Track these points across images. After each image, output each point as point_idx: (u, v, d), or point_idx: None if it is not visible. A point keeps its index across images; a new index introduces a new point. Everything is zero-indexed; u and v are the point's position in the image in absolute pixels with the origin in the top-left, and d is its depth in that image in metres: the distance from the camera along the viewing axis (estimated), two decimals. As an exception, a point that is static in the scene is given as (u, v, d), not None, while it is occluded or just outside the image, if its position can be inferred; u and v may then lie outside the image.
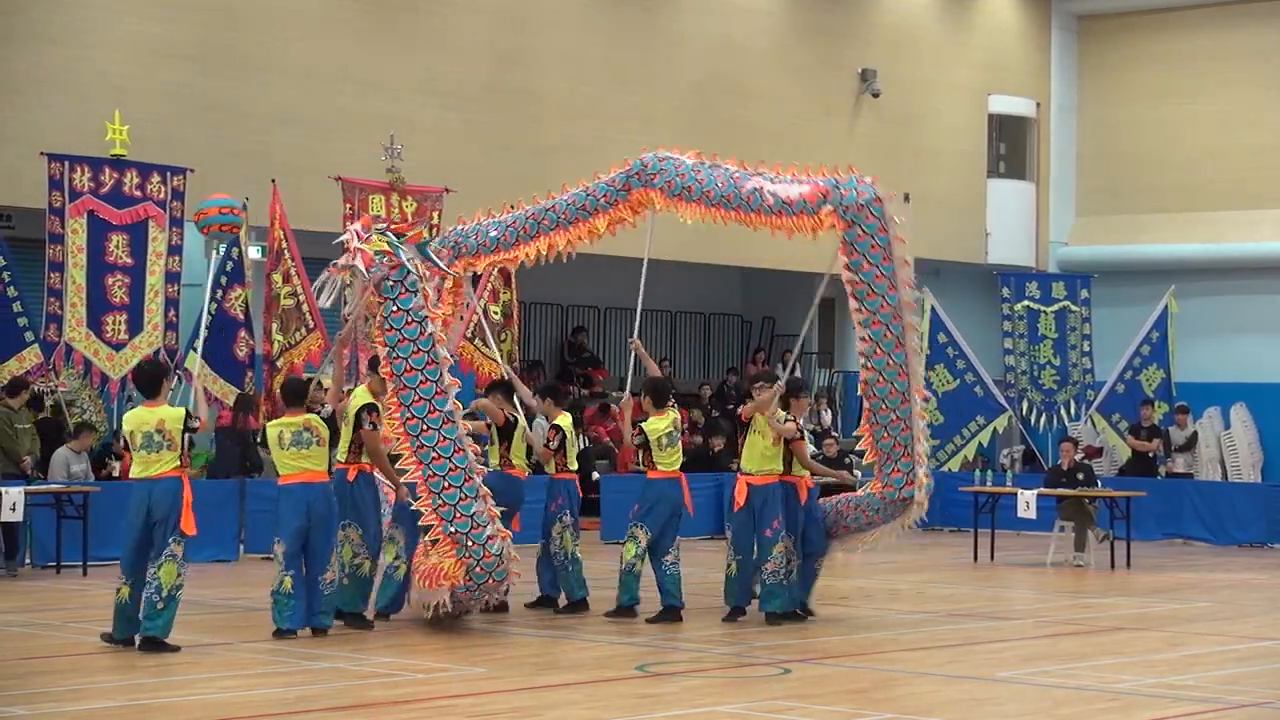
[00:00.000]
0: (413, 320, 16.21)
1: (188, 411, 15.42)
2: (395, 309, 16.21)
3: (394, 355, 16.20)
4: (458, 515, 16.09)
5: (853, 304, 17.05)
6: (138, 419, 15.28)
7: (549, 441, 18.41)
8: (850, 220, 16.73)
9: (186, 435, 15.24)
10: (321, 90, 27.97)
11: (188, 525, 15.12)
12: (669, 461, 17.86)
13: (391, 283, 16.20)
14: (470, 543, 16.09)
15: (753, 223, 17.45)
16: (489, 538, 16.14)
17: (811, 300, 18.85)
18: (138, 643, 15.08)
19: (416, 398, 16.13)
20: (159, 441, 15.13)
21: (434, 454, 16.12)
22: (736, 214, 17.45)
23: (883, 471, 17.39)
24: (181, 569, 15.14)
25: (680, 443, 18.19)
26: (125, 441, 15.37)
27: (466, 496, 16.12)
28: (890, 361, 16.96)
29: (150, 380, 15.55)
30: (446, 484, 16.11)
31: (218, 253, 25.04)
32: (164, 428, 15.14)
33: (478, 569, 16.14)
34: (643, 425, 17.88)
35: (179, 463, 15.19)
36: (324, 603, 16.08)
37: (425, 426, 16.12)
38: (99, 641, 15.29)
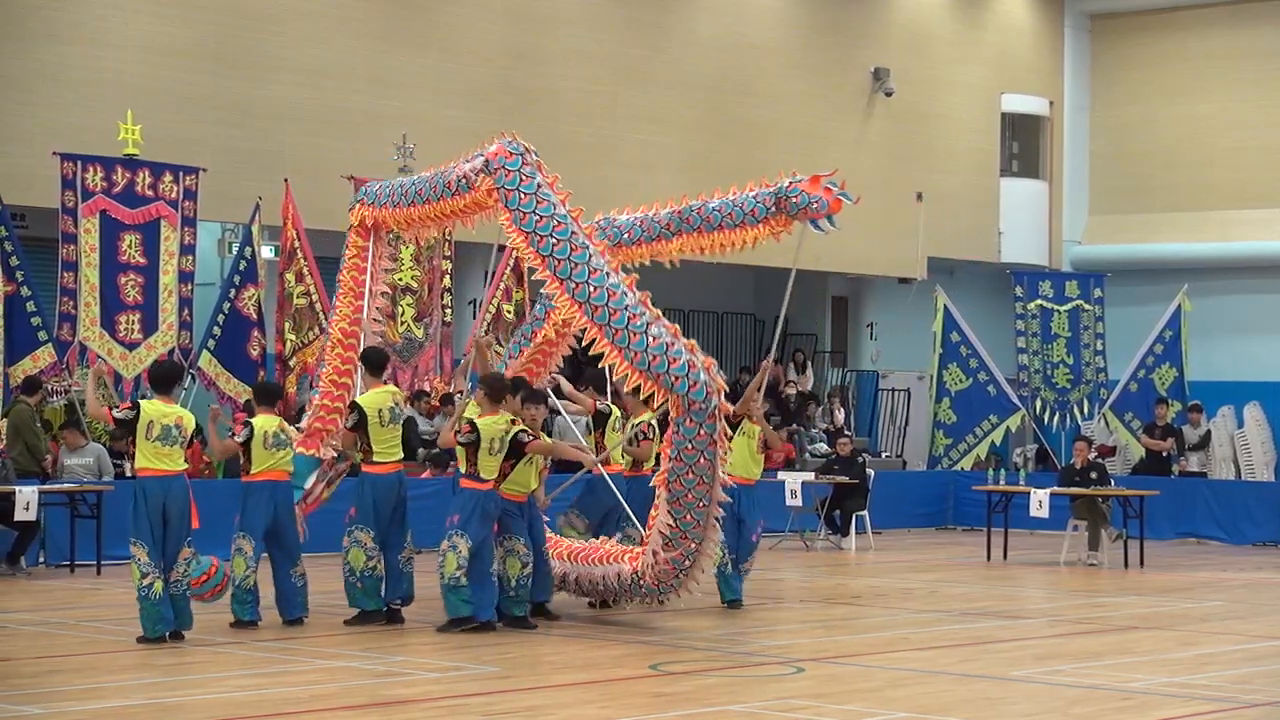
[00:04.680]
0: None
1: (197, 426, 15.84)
2: None
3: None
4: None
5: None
6: (157, 410, 15.53)
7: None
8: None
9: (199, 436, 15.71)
10: (334, 89, 28.01)
11: (195, 520, 15.67)
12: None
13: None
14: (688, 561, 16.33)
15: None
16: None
17: (824, 298, 18.78)
18: (169, 634, 15.40)
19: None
20: (176, 437, 15.48)
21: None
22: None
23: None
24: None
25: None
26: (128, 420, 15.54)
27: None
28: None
29: (165, 379, 15.89)
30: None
31: (231, 252, 25.08)
32: (181, 424, 15.52)
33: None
34: (475, 421, 16.81)
35: (186, 463, 15.68)
36: (298, 594, 16.67)
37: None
38: (136, 643, 15.35)
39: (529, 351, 19.48)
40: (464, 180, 17.08)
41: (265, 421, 16.58)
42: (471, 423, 16.52)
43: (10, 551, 21.40)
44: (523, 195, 16.50)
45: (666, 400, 15.86)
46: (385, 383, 17.44)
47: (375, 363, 17.43)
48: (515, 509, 16.87)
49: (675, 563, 16.29)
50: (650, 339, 15.79)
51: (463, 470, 16.59)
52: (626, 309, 15.91)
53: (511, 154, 16.73)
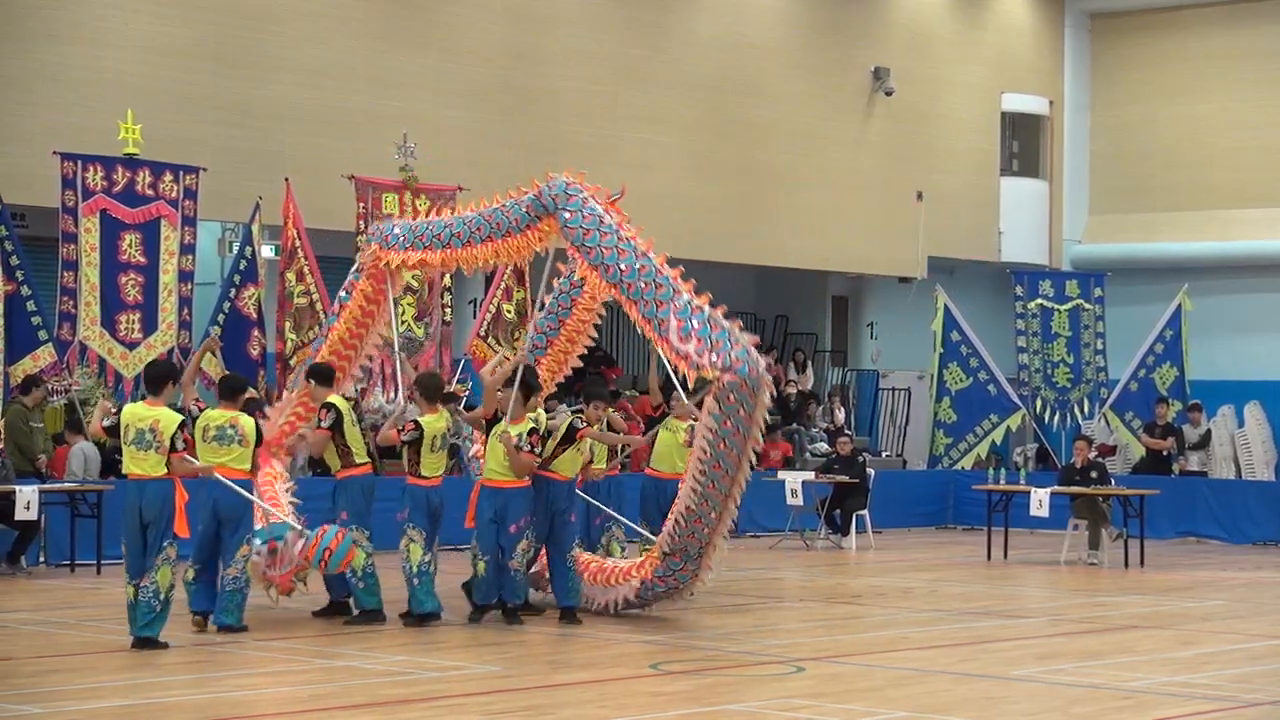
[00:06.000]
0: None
1: (186, 416, 15.49)
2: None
3: None
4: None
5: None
6: (134, 413, 15.29)
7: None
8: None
9: (180, 437, 15.21)
10: (334, 89, 28.01)
11: (180, 528, 15.16)
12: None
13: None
14: (684, 553, 16.59)
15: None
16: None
17: (824, 298, 18.76)
18: (131, 642, 15.12)
19: None
20: (149, 440, 15.08)
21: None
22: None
23: (664, 560, 16.86)
24: (175, 570, 15.25)
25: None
26: (115, 426, 15.46)
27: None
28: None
29: (157, 378, 15.56)
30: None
31: (231, 251, 25.04)
32: (157, 428, 15.09)
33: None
34: (419, 420, 17.18)
35: (165, 466, 15.10)
36: (227, 599, 16.17)
37: None
38: (129, 645, 15.24)
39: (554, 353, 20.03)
40: (357, 273, 18.85)
41: (214, 415, 16.23)
42: (416, 421, 17.03)
43: (11, 551, 21.42)
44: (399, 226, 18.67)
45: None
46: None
47: (326, 375, 17.92)
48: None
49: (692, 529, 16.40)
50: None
51: (408, 469, 17.12)
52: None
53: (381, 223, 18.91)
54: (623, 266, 16.48)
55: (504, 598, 17.07)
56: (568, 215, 16.89)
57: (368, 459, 17.50)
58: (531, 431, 16.97)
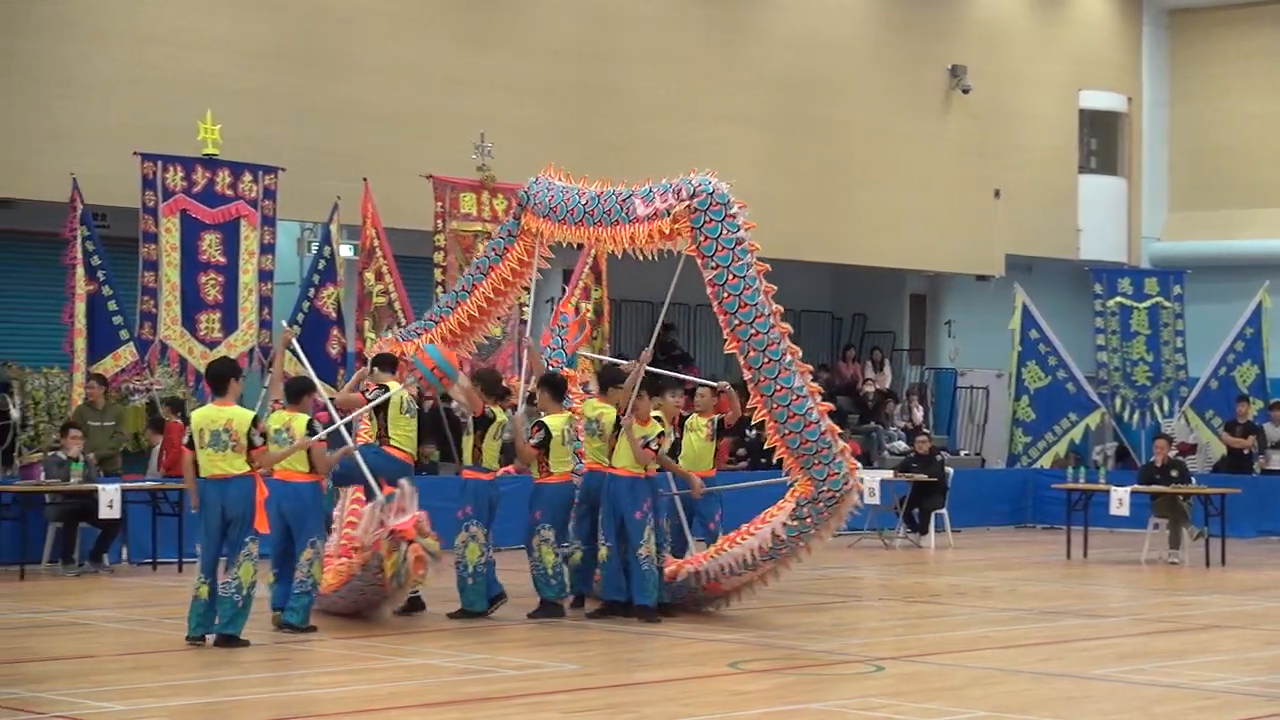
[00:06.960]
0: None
1: (255, 418, 15.37)
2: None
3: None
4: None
5: (711, 295, 16.49)
6: (206, 416, 15.29)
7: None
8: (698, 209, 16.31)
9: (256, 433, 15.17)
10: (412, 89, 28.13)
11: (261, 524, 15.24)
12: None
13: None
14: (818, 457, 16.27)
15: (614, 239, 17.11)
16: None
17: (902, 296, 18.66)
18: (211, 640, 15.18)
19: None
20: (225, 441, 15.11)
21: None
22: (599, 230, 17.24)
23: (807, 473, 16.54)
24: (257, 567, 15.31)
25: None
26: (191, 437, 15.41)
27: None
28: (766, 358, 16.32)
29: (217, 378, 15.57)
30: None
31: (310, 251, 25.16)
32: (231, 427, 15.13)
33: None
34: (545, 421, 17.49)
35: (247, 463, 15.14)
36: (294, 599, 16.09)
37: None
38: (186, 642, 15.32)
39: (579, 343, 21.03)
40: None
41: (275, 418, 16.14)
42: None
43: (94, 549, 21.60)
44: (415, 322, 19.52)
45: None
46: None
47: (389, 362, 17.99)
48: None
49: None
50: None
51: (468, 462, 17.30)
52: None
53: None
54: (584, 202, 17.42)
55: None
56: (534, 196, 18.13)
57: (409, 448, 17.39)
58: (535, 425, 17.44)
